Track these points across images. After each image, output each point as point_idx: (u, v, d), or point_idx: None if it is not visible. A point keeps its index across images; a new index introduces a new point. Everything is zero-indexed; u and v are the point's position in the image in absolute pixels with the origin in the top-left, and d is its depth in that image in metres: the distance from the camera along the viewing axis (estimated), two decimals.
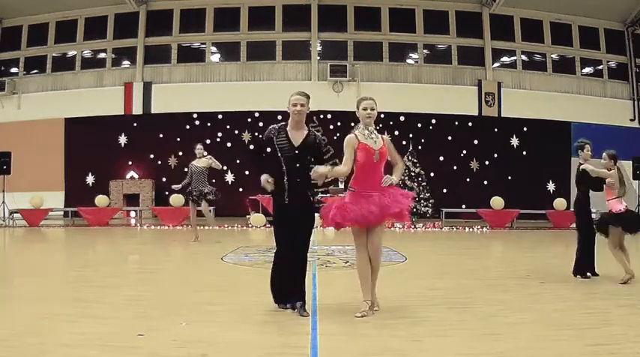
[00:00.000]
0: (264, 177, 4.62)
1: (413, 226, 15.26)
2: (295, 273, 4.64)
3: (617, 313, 4.81)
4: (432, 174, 17.38)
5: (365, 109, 4.65)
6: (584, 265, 6.58)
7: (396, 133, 18.41)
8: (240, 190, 17.70)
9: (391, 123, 18.35)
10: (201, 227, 11.46)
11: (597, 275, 6.58)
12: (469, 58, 19.04)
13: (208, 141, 18.36)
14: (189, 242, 10.47)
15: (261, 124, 18.30)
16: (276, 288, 4.77)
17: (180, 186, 10.54)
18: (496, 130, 18.74)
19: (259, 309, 4.71)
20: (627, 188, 6.73)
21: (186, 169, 10.91)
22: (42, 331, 3.95)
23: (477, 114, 18.69)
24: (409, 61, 19.37)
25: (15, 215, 15.23)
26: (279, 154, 4.62)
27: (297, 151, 4.63)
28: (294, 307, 4.60)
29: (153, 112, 18.59)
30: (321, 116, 17.93)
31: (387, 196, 4.58)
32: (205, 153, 10.55)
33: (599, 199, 6.79)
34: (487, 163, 18.69)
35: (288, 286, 4.65)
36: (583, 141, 6.71)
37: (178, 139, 18.21)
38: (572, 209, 7.07)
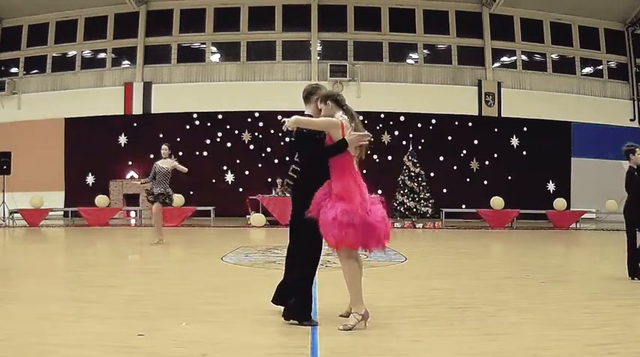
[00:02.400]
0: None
1: (412, 226, 15.27)
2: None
3: (617, 313, 4.80)
4: (432, 174, 17.35)
5: None
6: (636, 267, 6.42)
7: (396, 133, 18.44)
8: (240, 190, 17.71)
9: (391, 123, 18.38)
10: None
11: None
12: (469, 58, 19.03)
13: (208, 141, 18.44)
14: (150, 244, 10.02)
15: (261, 124, 18.31)
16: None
17: (144, 180, 10.57)
18: (496, 130, 18.73)
19: (259, 309, 4.70)
20: None
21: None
22: (42, 331, 3.95)
23: (477, 114, 18.68)
24: (409, 61, 19.36)
25: (15, 215, 15.23)
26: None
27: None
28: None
29: (153, 112, 18.59)
30: None
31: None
32: (171, 154, 10.44)
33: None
34: (487, 163, 18.68)
35: None
36: (633, 144, 6.56)
37: (178, 139, 18.16)
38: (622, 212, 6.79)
